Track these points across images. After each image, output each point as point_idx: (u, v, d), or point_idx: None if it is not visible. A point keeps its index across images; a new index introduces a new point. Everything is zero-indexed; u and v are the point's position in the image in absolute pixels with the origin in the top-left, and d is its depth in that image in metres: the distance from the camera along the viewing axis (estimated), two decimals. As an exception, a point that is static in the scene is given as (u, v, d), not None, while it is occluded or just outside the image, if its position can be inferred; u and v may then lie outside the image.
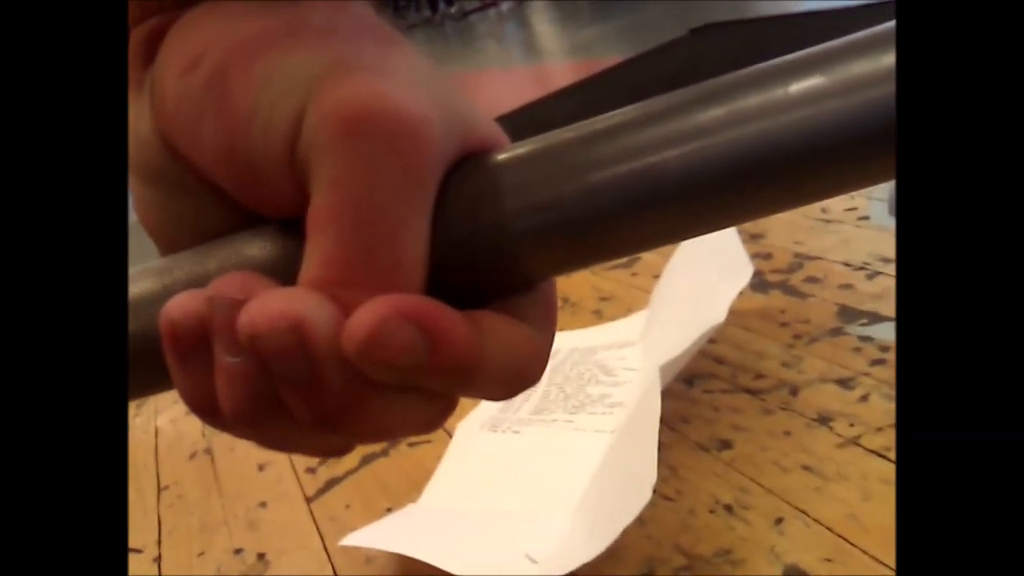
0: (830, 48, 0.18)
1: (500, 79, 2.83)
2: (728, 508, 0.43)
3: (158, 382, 0.21)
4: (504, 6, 5.19)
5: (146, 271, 0.21)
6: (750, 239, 0.69)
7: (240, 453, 0.65)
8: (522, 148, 0.20)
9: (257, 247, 0.20)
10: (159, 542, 0.58)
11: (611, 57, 2.19)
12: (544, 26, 3.68)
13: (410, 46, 0.20)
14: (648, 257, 0.69)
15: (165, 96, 0.20)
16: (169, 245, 0.22)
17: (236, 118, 0.18)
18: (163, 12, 0.21)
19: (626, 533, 0.40)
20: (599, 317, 0.68)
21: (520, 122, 1.76)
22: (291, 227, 0.20)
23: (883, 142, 0.17)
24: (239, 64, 0.19)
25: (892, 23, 0.17)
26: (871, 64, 0.17)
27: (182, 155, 0.20)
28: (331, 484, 0.57)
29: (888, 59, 0.17)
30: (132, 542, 0.59)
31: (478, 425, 0.57)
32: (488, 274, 0.20)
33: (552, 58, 3.04)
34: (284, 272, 0.19)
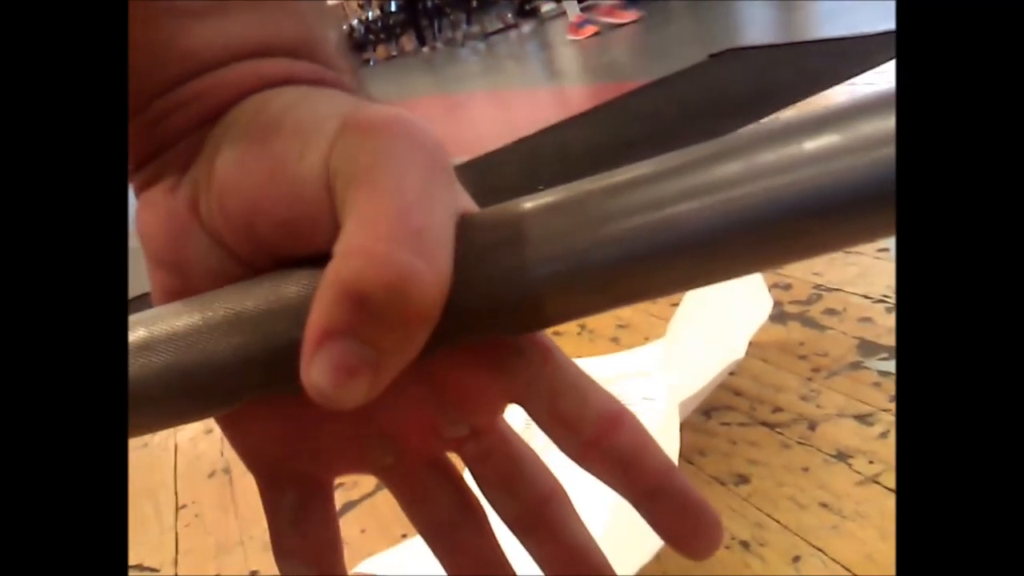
0: (842, 107, 0.18)
1: (520, 101, 2.84)
2: (744, 544, 0.43)
3: (192, 412, 0.22)
4: (525, 28, 5.23)
5: (187, 305, 0.22)
6: (769, 269, 0.69)
7: (257, 474, 0.66)
8: (545, 198, 0.20)
9: (294, 286, 0.21)
10: (175, 562, 0.58)
11: (631, 80, 2.20)
12: (564, 48, 3.70)
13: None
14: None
15: (214, 168, 0.22)
16: None
17: (279, 151, 0.21)
18: (188, 135, 0.23)
19: (640, 569, 0.40)
20: (617, 344, 0.68)
21: (540, 144, 1.77)
22: (323, 268, 0.20)
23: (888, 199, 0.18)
24: (284, 113, 0.21)
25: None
26: (880, 124, 0.18)
27: (224, 227, 0.22)
28: (347, 508, 0.57)
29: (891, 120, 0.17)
30: (149, 561, 0.60)
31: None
32: (507, 316, 0.20)
33: (572, 80, 3.06)
34: None
